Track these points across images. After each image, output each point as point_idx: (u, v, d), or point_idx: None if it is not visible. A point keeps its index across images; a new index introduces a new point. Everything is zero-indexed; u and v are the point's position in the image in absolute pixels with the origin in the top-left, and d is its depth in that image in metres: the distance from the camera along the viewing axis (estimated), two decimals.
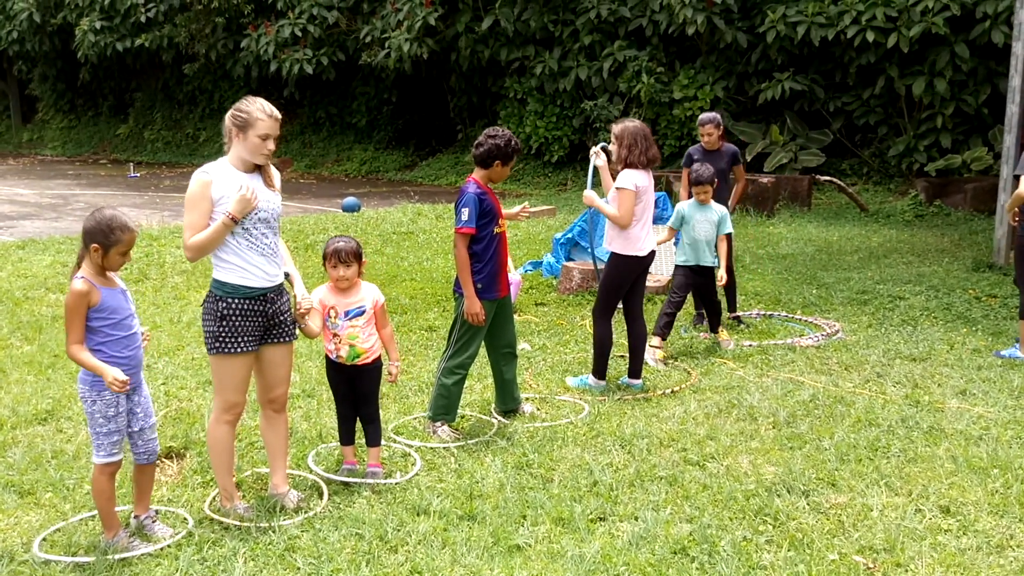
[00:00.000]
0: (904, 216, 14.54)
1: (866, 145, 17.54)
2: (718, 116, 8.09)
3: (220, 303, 4.26)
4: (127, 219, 4.02)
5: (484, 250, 5.50)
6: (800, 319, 8.34)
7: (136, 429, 4.16)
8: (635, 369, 6.49)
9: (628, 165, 6.17)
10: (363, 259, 4.83)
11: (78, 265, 4.02)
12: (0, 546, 4.14)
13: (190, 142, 29.12)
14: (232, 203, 4.17)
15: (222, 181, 4.20)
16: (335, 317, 4.78)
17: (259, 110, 4.27)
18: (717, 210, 7.31)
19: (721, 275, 7.48)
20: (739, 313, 8.22)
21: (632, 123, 6.29)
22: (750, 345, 7.49)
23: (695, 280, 7.37)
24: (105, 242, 3.94)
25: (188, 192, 4.20)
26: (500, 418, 5.88)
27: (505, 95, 21.18)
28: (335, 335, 4.79)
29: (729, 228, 7.39)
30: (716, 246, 7.38)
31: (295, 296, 4.57)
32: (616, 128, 6.27)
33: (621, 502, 4.58)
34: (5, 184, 21.50)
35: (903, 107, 16.53)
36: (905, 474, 4.89)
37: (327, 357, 4.91)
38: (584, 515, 4.41)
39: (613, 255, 6.32)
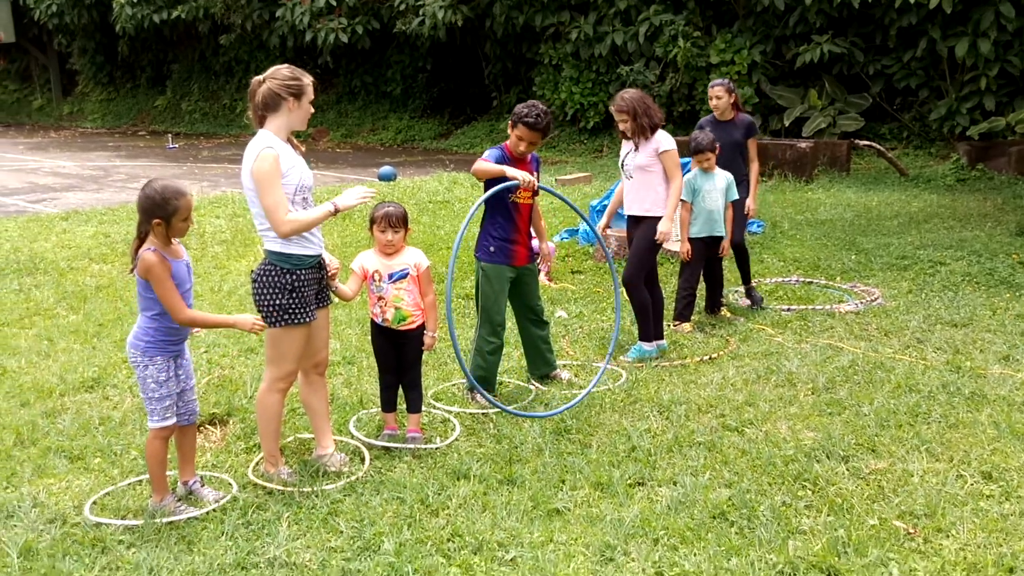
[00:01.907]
0: (945, 180, 14.31)
1: (906, 109, 17.23)
2: (729, 81, 7.71)
3: (289, 276, 4.29)
4: (178, 184, 4.06)
5: (501, 215, 5.55)
6: (839, 287, 8.27)
7: (177, 391, 4.24)
8: (659, 332, 6.53)
9: (653, 129, 6.21)
10: (409, 226, 4.89)
11: (140, 240, 4.04)
12: (53, 509, 4.25)
13: (227, 112, 29.26)
14: (345, 197, 4.29)
15: (284, 154, 4.24)
16: (379, 280, 4.83)
17: (304, 75, 4.34)
18: (723, 176, 7.05)
19: (724, 245, 7.15)
20: (752, 286, 7.73)
21: (628, 93, 6.27)
22: (789, 311, 7.44)
23: (708, 252, 7.11)
24: (164, 214, 3.97)
25: (260, 170, 4.15)
26: (538, 385, 5.92)
27: (540, 61, 21.03)
28: (380, 298, 4.85)
29: (735, 195, 7.13)
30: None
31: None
32: (620, 104, 6.20)
33: (660, 467, 4.60)
34: (47, 157, 21.80)
35: (945, 69, 16.20)
36: (946, 440, 4.86)
37: (372, 322, 4.97)
38: (623, 480, 4.44)
39: (650, 219, 6.33)
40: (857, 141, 15.74)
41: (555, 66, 20.70)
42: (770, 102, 17.47)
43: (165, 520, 4.11)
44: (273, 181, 4.15)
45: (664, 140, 6.22)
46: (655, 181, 6.27)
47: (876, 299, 7.72)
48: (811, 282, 8.45)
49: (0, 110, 38.07)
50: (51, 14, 29.96)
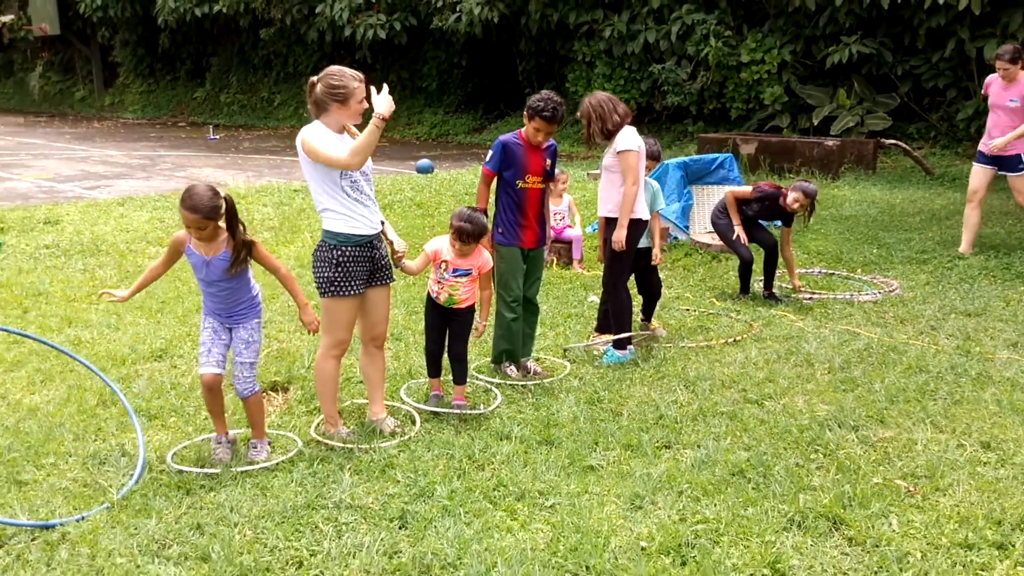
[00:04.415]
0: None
1: (934, 109, 17.48)
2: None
3: (335, 251, 4.77)
4: (189, 195, 4.47)
5: (508, 199, 5.92)
6: (859, 278, 8.65)
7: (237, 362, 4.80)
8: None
9: (608, 134, 6.27)
10: (482, 238, 5.35)
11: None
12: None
13: (265, 105, 29.88)
14: (380, 103, 4.55)
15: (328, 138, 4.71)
16: (444, 270, 5.33)
17: (353, 79, 4.73)
18: (650, 185, 6.81)
19: (655, 253, 6.99)
20: (772, 291, 7.94)
21: (590, 98, 6.38)
22: (810, 299, 7.84)
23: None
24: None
25: (306, 143, 4.61)
26: (567, 361, 6.36)
27: (573, 58, 21.41)
28: (439, 282, 5.36)
29: (661, 204, 6.94)
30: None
31: (390, 242, 5.09)
32: (580, 110, 6.38)
33: (685, 433, 5.04)
34: (94, 146, 22.48)
35: (973, 70, 16.43)
36: (950, 414, 5.26)
37: (428, 296, 5.47)
38: (651, 443, 4.89)
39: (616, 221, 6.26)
40: (884, 140, 16.03)
41: (588, 63, 21.08)
42: (799, 101, 17.77)
43: (240, 469, 4.60)
44: (320, 144, 4.59)
45: (623, 140, 6.17)
46: (618, 181, 6.24)
47: (894, 290, 8.10)
48: (833, 273, 8.84)
49: (44, 101, 39.05)
50: (96, 7, 30.74)
